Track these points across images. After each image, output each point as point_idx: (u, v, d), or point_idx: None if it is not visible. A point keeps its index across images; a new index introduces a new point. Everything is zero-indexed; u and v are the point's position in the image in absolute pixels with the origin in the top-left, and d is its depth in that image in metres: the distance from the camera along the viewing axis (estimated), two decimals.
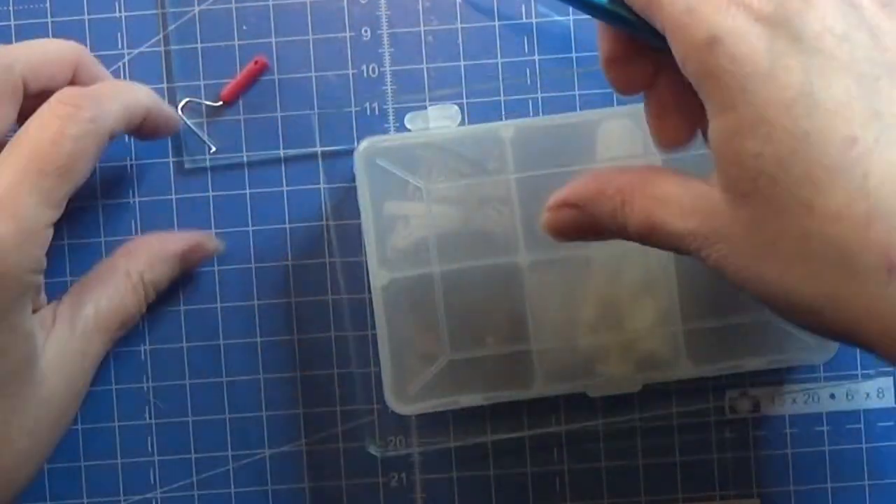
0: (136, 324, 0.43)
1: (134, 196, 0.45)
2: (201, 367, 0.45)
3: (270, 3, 0.45)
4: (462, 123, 0.43)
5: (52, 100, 0.37)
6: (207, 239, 0.44)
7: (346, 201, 0.44)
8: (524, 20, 0.45)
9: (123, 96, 0.39)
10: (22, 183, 0.35)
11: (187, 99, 0.44)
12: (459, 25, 0.45)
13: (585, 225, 0.34)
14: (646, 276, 0.42)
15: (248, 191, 0.45)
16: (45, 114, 0.36)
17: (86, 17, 0.44)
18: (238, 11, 0.45)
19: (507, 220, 0.42)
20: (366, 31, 0.45)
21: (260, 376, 0.45)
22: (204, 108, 0.44)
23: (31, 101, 0.38)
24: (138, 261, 0.42)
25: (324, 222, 0.45)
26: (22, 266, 0.35)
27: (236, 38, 0.45)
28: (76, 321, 0.40)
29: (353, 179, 0.42)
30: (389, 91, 0.45)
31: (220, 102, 0.44)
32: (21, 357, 0.37)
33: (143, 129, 0.41)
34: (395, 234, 0.42)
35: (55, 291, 0.42)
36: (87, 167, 0.37)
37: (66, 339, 0.39)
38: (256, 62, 0.44)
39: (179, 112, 0.44)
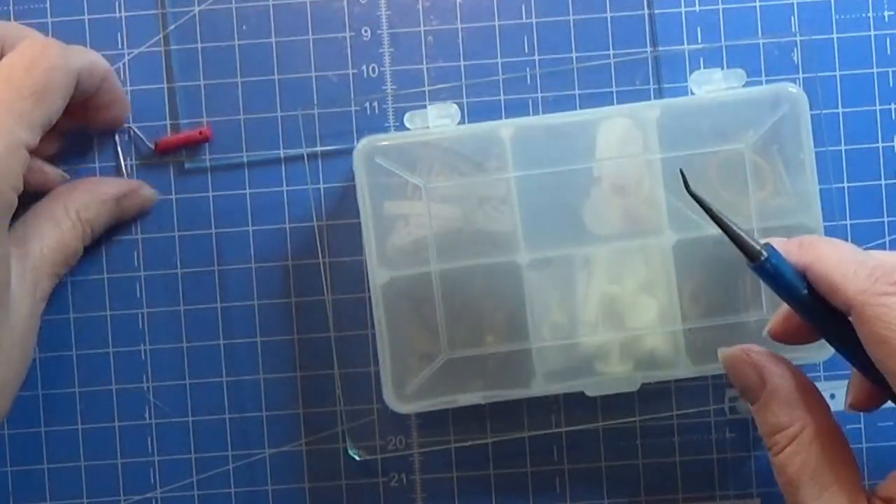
0: (77, 262, 0.43)
1: None
2: (201, 367, 0.45)
3: (270, 3, 0.45)
4: (462, 122, 0.43)
5: (23, 42, 0.39)
6: (142, 185, 0.44)
7: (346, 200, 0.44)
8: (524, 20, 0.45)
9: (87, 53, 0.41)
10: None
11: (133, 126, 0.44)
12: (459, 25, 0.45)
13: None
14: (646, 275, 0.42)
15: (247, 191, 0.45)
16: (18, 51, 0.38)
17: (86, 17, 0.44)
18: (238, 11, 0.45)
19: (506, 219, 0.42)
20: (366, 31, 0.45)
21: (260, 376, 0.45)
22: (134, 148, 0.45)
23: None
24: (74, 200, 0.42)
25: (323, 222, 0.45)
26: (6, 181, 0.36)
27: (236, 38, 0.45)
28: (25, 258, 0.40)
29: (353, 178, 0.42)
30: (389, 91, 0.45)
31: (153, 146, 0.44)
32: (1, 277, 0.37)
33: (99, 98, 0.42)
34: (394, 233, 0.42)
35: (56, 291, 0.42)
36: (58, 99, 0.38)
37: (20, 273, 0.39)
38: (201, 132, 0.44)
39: (134, 130, 0.44)
